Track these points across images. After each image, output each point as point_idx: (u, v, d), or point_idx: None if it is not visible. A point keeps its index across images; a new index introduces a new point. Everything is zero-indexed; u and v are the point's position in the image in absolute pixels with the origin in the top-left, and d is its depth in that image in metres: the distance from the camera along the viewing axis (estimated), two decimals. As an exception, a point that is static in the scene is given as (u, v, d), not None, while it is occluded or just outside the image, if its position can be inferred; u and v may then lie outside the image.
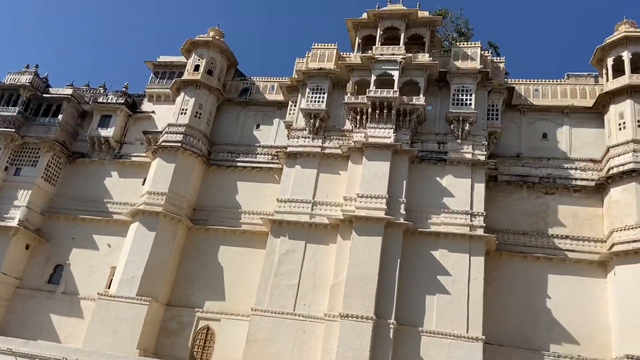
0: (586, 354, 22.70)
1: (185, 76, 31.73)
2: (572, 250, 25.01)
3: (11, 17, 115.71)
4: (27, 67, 33.24)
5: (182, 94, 31.46)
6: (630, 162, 24.04)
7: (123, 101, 33.34)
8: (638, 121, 25.24)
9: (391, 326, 22.48)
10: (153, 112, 33.64)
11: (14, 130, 30.62)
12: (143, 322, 24.95)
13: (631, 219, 23.32)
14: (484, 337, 22.13)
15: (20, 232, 28.63)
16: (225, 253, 28.25)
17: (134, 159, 32.45)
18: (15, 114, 31.07)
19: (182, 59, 34.00)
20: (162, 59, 35.38)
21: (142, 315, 25.15)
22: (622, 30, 27.41)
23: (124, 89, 35.17)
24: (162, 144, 29.77)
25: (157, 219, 27.46)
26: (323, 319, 23.34)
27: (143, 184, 30.41)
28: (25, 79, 32.25)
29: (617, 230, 23.64)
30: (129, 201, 30.66)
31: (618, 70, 26.93)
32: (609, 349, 22.40)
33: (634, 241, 22.59)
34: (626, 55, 26.53)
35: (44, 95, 32.75)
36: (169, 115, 32.04)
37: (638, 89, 25.70)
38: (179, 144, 29.33)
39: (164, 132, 30.71)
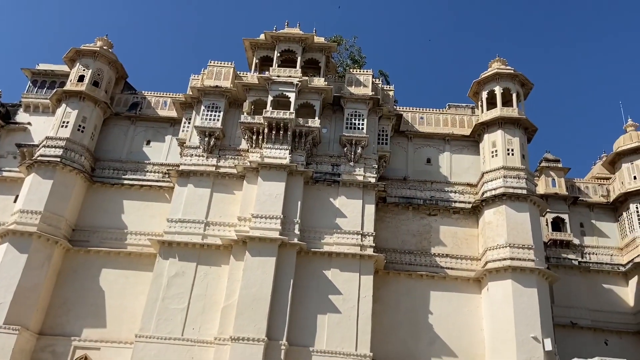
0: (465, 363, 26.44)
1: (68, 86, 31.88)
2: (452, 268, 28.89)
3: None
4: None
5: (64, 105, 31.60)
6: (501, 187, 28.80)
7: None
8: (507, 149, 29.99)
9: (282, 347, 24.41)
10: (29, 123, 33.50)
11: None
12: (11, 353, 24.83)
13: (502, 239, 27.77)
14: (371, 353, 24.87)
15: None
16: (107, 276, 28.54)
17: (5, 173, 32.03)
18: None
19: (65, 68, 34.05)
20: (42, 66, 35.34)
21: (10, 345, 24.95)
22: (495, 67, 32.65)
23: None
24: (38, 159, 29.56)
25: (30, 240, 27.29)
26: (213, 343, 24.71)
27: (15, 201, 30.07)
28: None
29: (490, 249, 28.02)
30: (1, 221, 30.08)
31: (491, 102, 31.78)
32: (482, 359, 26.44)
33: (504, 259, 26.94)
34: (498, 90, 31.56)
35: None
36: (47, 127, 31.93)
37: (508, 121, 30.58)
38: (58, 159, 29.37)
39: (41, 146, 30.48)
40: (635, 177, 34.51)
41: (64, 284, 28.81)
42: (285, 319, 25.39)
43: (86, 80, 32.27)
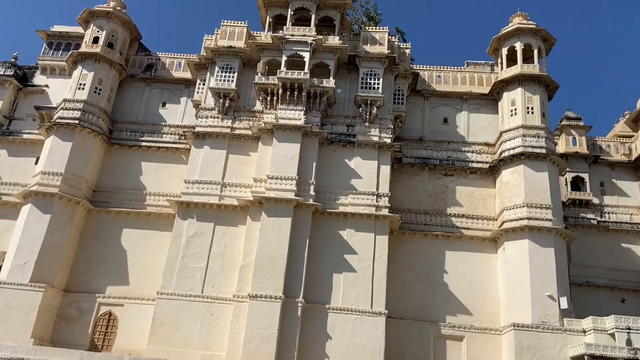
0: (478, 324, 27.02)
1: (83, 48, 32.02)
2: (468, 228, 29.29)
3: None
4: None
5: (80, 67, 31.77)
6: (519, 146, 28.75)
7: (12, 73, 33.12)
8: (527, 108, 29.79)
9: (299, 305, 25.21)
10: (46, 85, 33.76)
11: None
12: (38, 310, 25.86)
13: (519, 199, 27.94)
14: (386, 311, 25.65)
15: None
16: (128, 236, 29.41)
17: (25, 136, 32.55)
18: None
19: (79, 29, 34.06)
20: (57, 28, 35.27)
21: (37, 302, 26.00)
22: (516, 22, 32.07)
23: (12, 59, 34.79)
24: (57, 121, 30.04)
25: (53, 200, 28.05)
26: (232, 300, 25.63)
27: (36, 163, 30.61)
28: None
29: (506, 209, 28.27)
30: (20, 182, 30.90)
31: (512, 59, 31.35)
32: (498, 318, 26.97)
33: (521, 219, 27.27)
34: (519, 46, 31.07)
35: None
36: (64, 90, 32.23)
37: (528, 78, 30.23)
38: (77, 121, 29.82)
39: (59, 108, 30.89)
40: (662, 134, 33.95)
41: (87, 244, 29.66)
42: (302, 278, 26.10)
43: (101, 41, 32.32)
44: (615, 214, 34.14)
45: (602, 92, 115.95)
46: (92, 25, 33.06)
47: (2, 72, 33.40)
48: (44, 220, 27.97)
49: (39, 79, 34.65)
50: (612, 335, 23.99)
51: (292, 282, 25.92)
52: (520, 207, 27.92)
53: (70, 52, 32.92)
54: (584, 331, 24.64)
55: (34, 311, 26.04)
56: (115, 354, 25.46)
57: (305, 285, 26.07)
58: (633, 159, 34.95)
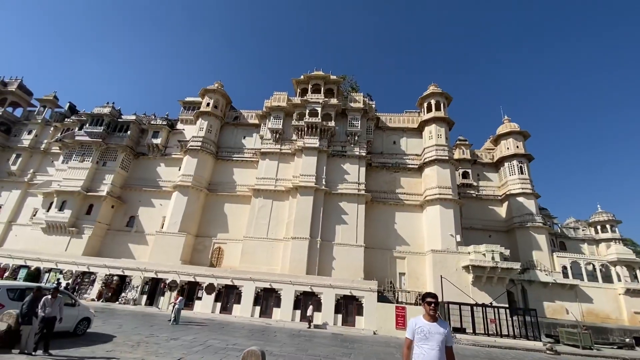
0: (412, 250, 27.99)
1: (202, 109, 33.22)
2: (407, 200, 30.13)
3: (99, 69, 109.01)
4: (107, 103, 33.95)
5: (200, 119, 33.05)
6: (434, 156, 29.54)
7: (166, 123, 34.58)
8: (438, 134, 30.62)
9: (318, 242, 26.43)
10: (183, 129, 35.04)
11: (101, 140, 31.65)
12: (183, 246, 27.45)
13: (434, 183, 28.65)
14: (364, 244, 26.75)
15: (108, 198, 29.92)
16: (227, 207, 30.61)
17: (173, 156, 33.68)
18: (101, 130, 31.96)
19: (198, 99, 35.32)
20: (187, 99, 36.36)
21: (182, 242, 27.55)
22: (431, 88, 32.67)
23: (166, 115, 36.27)
24: (189, 147, 31.44)
25: (188, 189, 29.45)
26: (282, 240, 26.71)
27: (179, 170, 31.82)
28: (106, 110, 33.03)
29: (427, 189, 29.05)
30: (171, 180, 32.16)
31: (429, 108, 32.05)
32: (423, 247, 27.90)
33: (434, 194, 28.04)
34: (433, 102, 31.86)
35: (118, 120, 33.48)
36: (192, 131, 33.54)
37: (438, 119, 30.95)
38: (199, 147, 31.23)
39: (190, 141, 32.22)
40: (508, 148, 34.56)
41: (206, 211, 30.80)
42: (319, 228, 27.08)
43: (210, 105, 33.46)
44: (485, 190, 34.79)
45: (479, 125, 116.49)
46: (205, 96, 34.13)
47: (162, 123, 34.63)
48: (184, 200, 29.20)
49: (179, 126, 35.74)
50: (484, 254, 25.13)
51: (314, 230, 26.86)
52: (434, 188, 28.83)
53: (195, 111, 34.19)
54: (469, 253, 25.69)
55: (181, 246, 27.40)
56: (223, 268, 26.69)
57: (321, 231, 26.99)
58: (495, 160, 35.55)
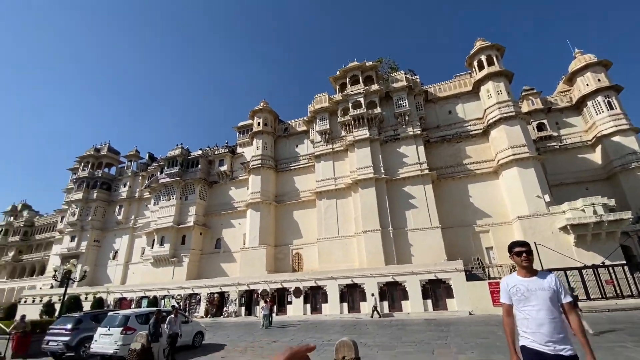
0: (496, 221, 26.06)
1: (255, 129, 35.35)
2: (478, 169, 28.02)
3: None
4: (177, 145, 38.21)
5: (255, 139, 35.16)
6: (497, 115, 27.11)
7: (227, 150, 37.42)
8: (498, 91, 27.90)
9: (390, 231, 26.00)
10: (243, 152, 37.46)
11: (179, 178, 35.80)
12: (265, 257, 29.45)
13: (504, 144, 26.32)
14: (440, 225, 25.66)
15: (195, 227, 33.65)
16: (297, 214, 31.96)
17: (240, 178, 36.24)
18: (177, 170, 36.21)
19: (249, 121, 37.46)
20: (241, 124, 38.86)
21: (264, 254, 29.59)
22: (478, 44, 30.07)
23: (226, 143, 39.10)
24: (252, 167, 33.55)
25: (259, 205, 31.48)
26: (354, 235, 26.91)
27: (247, 189, 34.23)
28: (178, 151, 37.23)
29: (499, 153, 26.73)
30: (243, 199, 34.62)
31: (481, 65, 29.40)
32: (508, 216, 25.76)
33: (506, 157, 25.83)
34: (484, 57, 29.16)
35: (188, 157, 37.54)
36: (250, 151, 35.72)
37: (494, 74, 28.28)
38: (260, 165, 33.22)
39: (251, 161, 34.34)
40: (587, 85, 29.94)
41: (280, 221, 32.55)
42: (388, 216, 26.65)
43: (261, 124, 35.34)
44: (569, 138, 30.56)
45: (545, 66, 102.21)
46: (255, 117, 36.20)
47: (224, 151, 37.77)
48: (257, 215, 31.33)
49: (239, 150, 38.44)
50: (583, 210, 22.13)
51: (383, 220, 26.50)
52: (506, 150, 26.35)
53: (249, 133, 36.41)
54: (564, 212, 22.89)
55: (264, 257, 29.48)
56: (305, 271, 27.82)
57: (391, 220, 26.53)
58: (574, 102, 31.09)
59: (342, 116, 31.14)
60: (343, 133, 31.46)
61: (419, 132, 28.99)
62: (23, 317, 11.91)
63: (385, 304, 21.30)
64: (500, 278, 21.09)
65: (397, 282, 21.56)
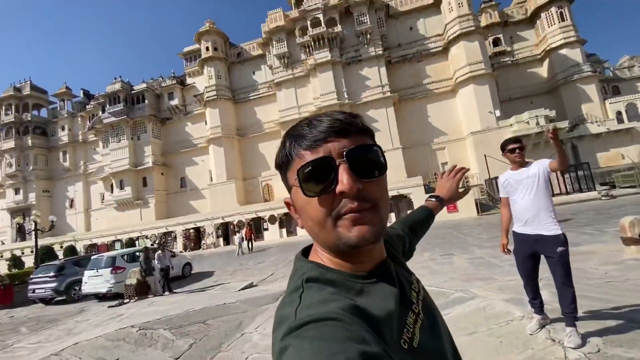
0: (451, 138, 28.01)
1: (203, 55, 32.19)
2: (437, 88, 28.76)
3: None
4: (115, 78, 33.73)
5: (205, 67, 32.24)
6: (457, 30, 26.96)
7: (175, 82, 34.29)
8: (458, 4, 27.10)
9: (355, 155, 27.66)
10: (194, 83, 34.59)
11: (125, 116, 32.75)
12: (235, 191, 29.82)
13: (463, 62, 26.79)
14: (401, 145, 27.14)
15: (155, 167, 32.39)
16: (262, 147, 31.54)
17: (195, 112, 34.13)
18: (121, 107, 32.84)
19: (196, 46, 33.81)
20: (186, 49, 35.03)
21: (233, 188, 29.85)
22: None
23: (172, 74, 35.50)
24: (206, 99, 31.53)
25: (221, 140, 30.53)
26: None
27: (205, 124, 32.61)
28: (118, 86, 33.09)
29: (457, 70, 27.33)
30: (202, 135, 33.09)
31: None
32: (462, 132, 27.68)
33: (466, 73, 26.32)
34: None
35: (132, 92, 33.85)
36: (203, 81, 32.96)
37: None
38: (215, 96, 31.18)
39: (205, 92, 32.00)
40: (543, -6, 29.85)
41: (245, 155, 32.32)
42: None
43: (210, 49, 32.20)
44: (521, 53, 31.51)
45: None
46: (202, 40, 32.65)
47: (172, 83, 34.30)
48: (221, 151, 30.63)
49: (189, 80, 35.35)
50: (527, 122, 24.35)
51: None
52: (464, 67, 26.99)
53: (198, 60, 33.15)
54: (511, 125, 25.05)
55: (234, 192, 29.81)
56: (277, 200, 28.41)
57: (356, 144, 27.52)
58: (529, 14, 31.24)
59: (301, 36, 29.19)
60: (303, 56, 29.87)
61: (380, 52, 28.36)
62: (-3, 271, 11.69)
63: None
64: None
65: (364, 201, 23.36)
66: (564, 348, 2.38)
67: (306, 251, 0.51)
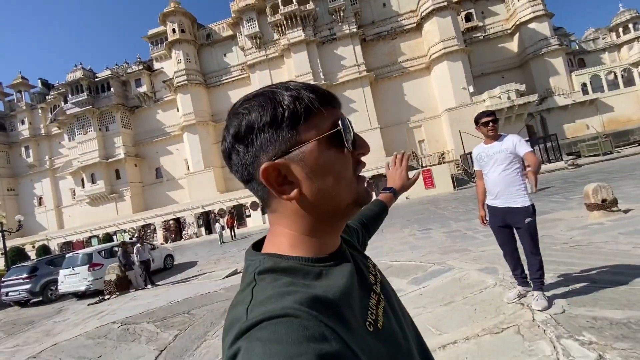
0: (427, 116, 28.38)
1: (170, 38, 30.67)
2: (412, 66, 28.80)
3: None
4: (76, 65, 31.61)
5: (173, 50, 30.78)
6: (430, 5, 26.87)
7: (142, 67, 32.58)
8: (428, -21, 26.42)
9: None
10: (162, 67, 33.05)
11: (91, 106, 30.91)
12: (214, 179, 29.18)
13: (436, 38, 26.65)
14: (379, 125, 27.35)
15: (127, 159, 31.10)
16: None
17: (166, 99, 32.81)
18: (85, 96, 30.90)
19: (162, 28, 32.09)
20: (151, 32, 33.27)
21: (212, 176, 29.22)
22: None
23: (138, 59, 33.72)
24: (177, 85, 30.26)
25: (195, 127, 29.59)
26: None
27: (177, 111, 31.50)
28: (79, 73, 31.01)
29: (431, 47, 27.49)
30: (175, 123, 31.96)
31: None
32: (437, 109, 28.06)
33: (438, 51, 26.94)
34: None
35: (95, 79, 31.89)
36: (171, 66, 31.57)
37: None
38: (186, 81, 29.93)
39: (174, 77, 30.68)
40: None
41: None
42: None
43: (177, 31, 30.61)
44: (492, 28, 31.73)
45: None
46: (168, 22, 30.97)
47: (138, 68, 32.69)
48: (196, 138, 29.71)
49: (157, 65, 33.71)
50: (499, 97, 24.96)
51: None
52: (437, 44, 27.10)
53: (165, 43, 31.56)
54: (484, 100, 25.59)
55: (212, 180, 29.20)
56: None
57: (334, 126, 27.48)
58: (500, -11, 31.35)
59: (272, 15, 28.27)
60: (276, 36, 29.08)
61: (355, 30, 27.97)
62: (-37, 277, 11.10)
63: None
64: (430, 165, 24.24)
65: (345, 182, 23.57)
66: (532, 311, 2.52)
67: (256, 246, 0.47)
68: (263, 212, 24.59)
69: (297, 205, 0.41)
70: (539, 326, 2.31)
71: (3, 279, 10.61)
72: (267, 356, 0.27)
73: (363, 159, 0.45)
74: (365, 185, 0.45)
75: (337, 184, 0.41)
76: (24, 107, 36.34)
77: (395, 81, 29.07)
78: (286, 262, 0.40)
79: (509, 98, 24.50)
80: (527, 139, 23.81)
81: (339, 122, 0.41)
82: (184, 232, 25.62)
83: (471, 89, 26.49)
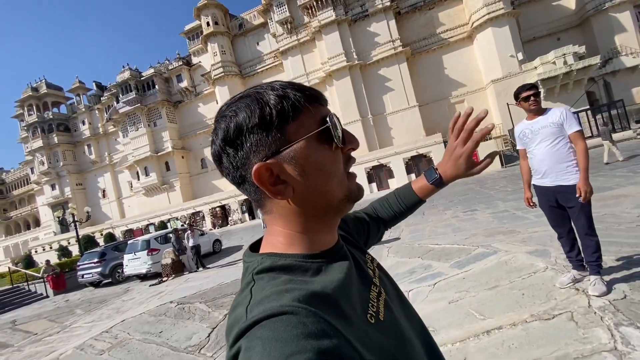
0: (470, 89, 26.59)
1: (205, 32, 31.41)
2: (452, 36, 26.93)
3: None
4: (123, 67, 33.75)
5: (209, 43, 31.53)
6: (471, -32, 24.87)
7: (181, 63, 33.87)
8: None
9: (370, 119, 26.45)
10: (200, 62, 34.03)
11: (139, 104, 33.17)
12: None
13: (479, 3, 24.86)
14: (417, 103, 26.16)
15: (175, 152, 33.03)
16: None
17: (205, 92, 33.81)
18: (134, 96, 33.08)
19: (197, 22, 32.83)
20: (187, 27, 34.14)
21: None
22: None
23: (177, 55, 35.02)
24: (215, 78, 31.14)
25: None
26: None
27: (217, 103, 32.23)
28: (127, 74, 33.19)
29: (473, 14, 25.44)
30: (214, 115, 33.42)
31: None
32: (482, 82, 26.18)
33: (483, 15, 24.68)
34: None
35: (141, 78, 33.85)
36: (208, 59, 32.37)
37: None
38: (222, 73, 30.75)
39: (212, 70, 31.50)
40: None
41: None
42: (366, 104, 26.73)
43: (211, 24, 31.26)
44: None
45: None
46: (202, 16, 31.70)
47: (178, 64, 34.03)
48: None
49: (195, 60, 34.74)
50: (554, 62, 22.55)
51: (362, 109, 26.70)
52: (480, 9, 24.96)
53: (201, 37, 32.42)
54: (535, 67, 23.35)
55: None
56: None
57: (370, 107, 26.67)
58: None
59: (302, -2, 27.69)
60: (306, 19, 28.59)
61: (388, 4, 26.64)
62: (48, 261, 12.87)
63: (374, 185, 23.36)
64: (475, 143, 22.94)
65: (382, 164, 23.19)
66: (588, 296, 2.34)
67: (254, 247, 0.46)
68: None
69: (291, 204, 0.41)
70: (595, 313, 2.15)
71: (78, 264, 12.07)
72: (267, 354, 0.28)
73: (353, 154, 0.45)
74: (356, 180, 0.46)
75: (328, 180, 0.41)
76: (83, 109, 39.97)
77: (434, 54, 27.44)
78: (284, 260, 0.40)
79: (565, 63, 21.99)
80: (588, 107, 21.49)
81: (327, 119, 0.41)
82: (229, 218, 27.07)
83: (520, 56, 24.19)
